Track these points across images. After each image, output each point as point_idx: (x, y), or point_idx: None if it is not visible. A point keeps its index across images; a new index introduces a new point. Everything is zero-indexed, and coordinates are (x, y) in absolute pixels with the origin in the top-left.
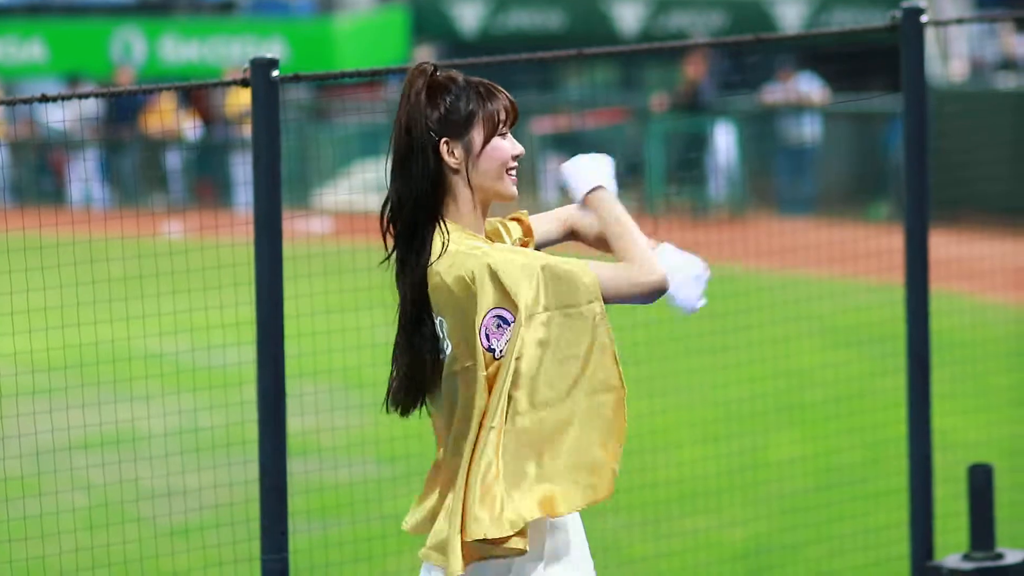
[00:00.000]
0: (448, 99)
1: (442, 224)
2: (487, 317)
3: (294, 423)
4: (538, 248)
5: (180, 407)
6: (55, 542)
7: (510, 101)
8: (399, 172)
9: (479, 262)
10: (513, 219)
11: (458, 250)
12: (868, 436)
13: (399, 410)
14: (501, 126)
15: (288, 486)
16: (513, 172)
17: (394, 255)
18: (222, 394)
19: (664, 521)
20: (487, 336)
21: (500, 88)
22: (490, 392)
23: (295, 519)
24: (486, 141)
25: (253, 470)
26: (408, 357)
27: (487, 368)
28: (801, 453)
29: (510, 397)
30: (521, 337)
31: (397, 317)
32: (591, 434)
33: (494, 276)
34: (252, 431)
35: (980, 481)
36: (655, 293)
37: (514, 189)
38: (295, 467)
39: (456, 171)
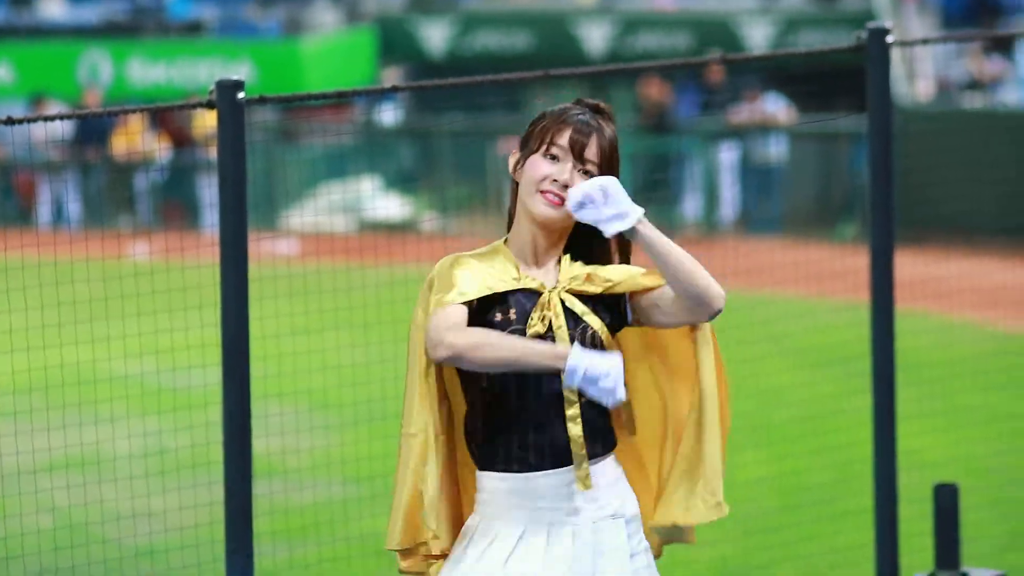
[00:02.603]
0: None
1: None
2: None
3: (260, 444)
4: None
5: (146, 429)
6: (19, 564)
7: (580, 132)
8: None
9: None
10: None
11: None
12: (835, 456)
13: None
14: (548, 146)
15: (254, 508)
16: (549, 195)
17: None
18: (188, 416)
19: None
20: None
21: (582, 119)
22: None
23: (261, 541)
24: (528, 156)
25: (219, 492)
26: None
27: None
28: (768, 473)
29: None
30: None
31: None
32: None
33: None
34: (217, 452)
35: (946, 500)
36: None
37: (544, 209)
38: (261, 488)
39: (517, 184)
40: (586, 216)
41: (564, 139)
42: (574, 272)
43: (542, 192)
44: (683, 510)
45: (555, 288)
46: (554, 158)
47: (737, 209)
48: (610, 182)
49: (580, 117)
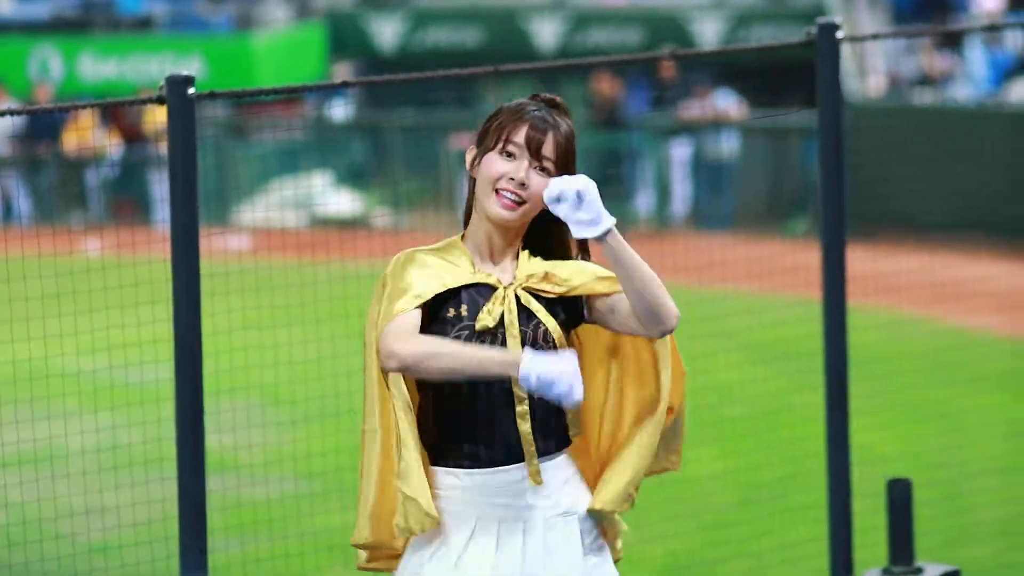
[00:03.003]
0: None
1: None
2: None
3: (213, 440)
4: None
5: (99, 425)
6: None
7: (536, 129)
8: None
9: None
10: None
11: None
12: (788, 451)
13: None
14: (505, 144)
15: (207, 503)
16: (506, 194)
17: None
18: (140, 411)
19: None
20: None
21: (539, 115)
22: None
23: (214, 536)
24: (484, 153)
25: (172, 488)
26: None
27: None
28: (721, 469)
29: None
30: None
31: None
32: None
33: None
34: (171, 448)
35: (899, 495)
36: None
37: (499, 210)
38: (214, 484)
39: (474, 180)
40: (559, 211)
41: (520, 136)
42: (532, 269)
43: (498, 192)
44: (610, 499)
45: (511, 284)
46: (510, 155)
47: (689, 205)
48: (589, 187)
49: (536, 113)
